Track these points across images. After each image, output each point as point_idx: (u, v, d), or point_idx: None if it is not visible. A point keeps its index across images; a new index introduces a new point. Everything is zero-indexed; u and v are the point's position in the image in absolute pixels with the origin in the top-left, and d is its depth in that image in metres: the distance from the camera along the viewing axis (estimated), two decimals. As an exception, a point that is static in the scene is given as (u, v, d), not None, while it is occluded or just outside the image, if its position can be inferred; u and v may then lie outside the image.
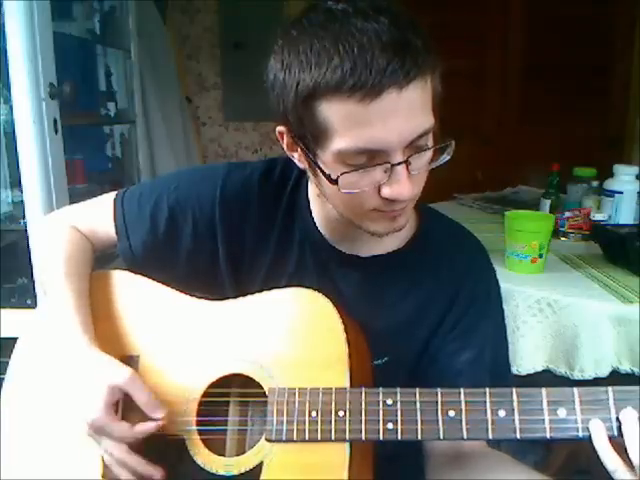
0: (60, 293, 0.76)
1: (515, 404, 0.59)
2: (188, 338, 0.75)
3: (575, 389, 0.58)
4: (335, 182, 0.63)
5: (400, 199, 0.63)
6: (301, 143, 0.66)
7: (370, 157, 0.61)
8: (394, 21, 0.58)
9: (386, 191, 0.63)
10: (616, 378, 1.17)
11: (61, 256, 0.80)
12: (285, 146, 0.70)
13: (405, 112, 0.59)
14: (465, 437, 0.59)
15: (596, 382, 1.16)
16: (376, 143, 0.60)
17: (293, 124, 0.65)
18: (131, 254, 0.83)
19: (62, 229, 0.84)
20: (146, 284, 0.80)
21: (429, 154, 0.65)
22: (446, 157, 0.65)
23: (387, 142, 0.60)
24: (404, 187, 0.62)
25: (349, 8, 0.59)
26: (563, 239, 1.64)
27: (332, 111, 0.59)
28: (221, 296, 0.77)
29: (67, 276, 0.78)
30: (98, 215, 0.85)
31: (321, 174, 0.65)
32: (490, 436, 0.59)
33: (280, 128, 0.68)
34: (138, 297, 0.80)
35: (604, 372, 1.18)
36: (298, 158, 0.70)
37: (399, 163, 0.61)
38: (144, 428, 0.67)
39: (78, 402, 0.68)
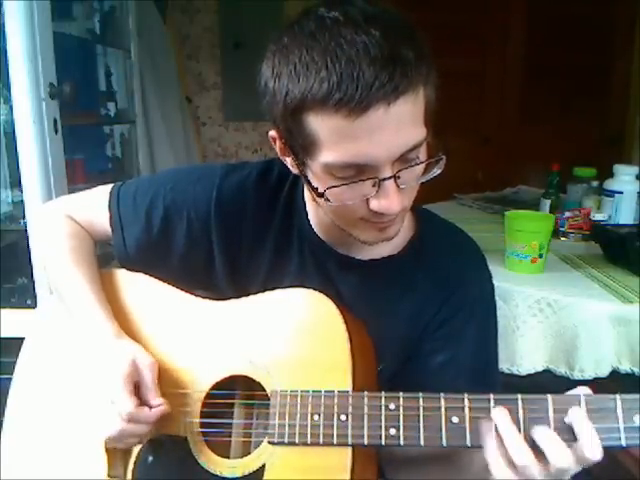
0: (73, 283, 0.78)
1: (520, 411, 0.57)
2: (192, 338, 0.75)
3: (582, 396, 0.56)
4: (321, 195, 0.63)
5: (388, 213, 0.63)
6: (291, 151, 0.66)
7: (358, 171, 0.61)
8: (386, 32, 0.56)
9: (374, 204, 0.62)
10: (616, 378, 1.17)
11: (66, 246, 0.81)
12: (278, 150, 0.70)
13: (393, 127, 0.57)
14: (469, 444, 0.58)
15: (596, 382, 1.16)
16: (363, 158, 0.59)
17: (283, 132, 0.65)
18: (125, 250, 0.83)
19: (61, 220, 0.84)
20: (149, 283, 0.81)
21: (420, 168, 0.64)
22: (437, 171, 0.64)
23: (374, 157, 0.59)
24: (392, 201, 0.61)
25: (340, 17, 0.58)
26: (563, 239, 1.64)
27: (319, 124, 0.58)
28: (217, 296, 0.77)
29: (75, 264, 0.79)
30: (95, 207, 0.85)
31: (309, 185, 0.65)
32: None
33: (272, 133, 0.68)
34: (141, 296, 0.80)
35: (604, 372, 1.18)
36: (291, 163, 0.70)
37: (387, 178, 0.60)
38: (148, 413, 0.68)
39: (102, 371, 0.71)
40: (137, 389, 0.70)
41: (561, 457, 0.54)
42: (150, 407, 0.69)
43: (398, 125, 0.58)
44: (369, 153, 0.58)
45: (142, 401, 0.69)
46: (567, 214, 1.65)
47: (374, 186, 0.61)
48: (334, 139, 0.59)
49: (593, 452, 0.53)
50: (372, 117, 0.56)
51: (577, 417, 0.55)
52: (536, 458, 0.55)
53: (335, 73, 0.55)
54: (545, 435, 0.55)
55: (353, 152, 0.59)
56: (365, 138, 0.57)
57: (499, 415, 0.57)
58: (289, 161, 0.69)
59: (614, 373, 1.18)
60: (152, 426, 0.69)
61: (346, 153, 0.59)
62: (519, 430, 0.56)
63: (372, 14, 0.58)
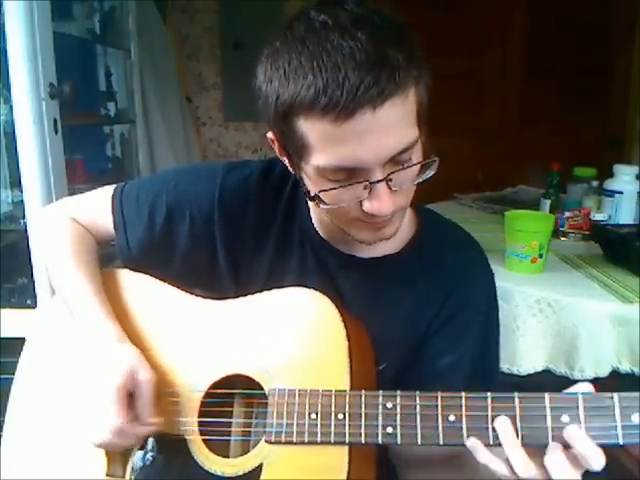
0: (76, 285, 0.77)
1: (517, 409, 0.57)
2: (191, 338, 0.75)
3: (580, 394, 0.56)
4: (313, 198, 0.63)
5: (380, 215, 0.63)
6: (286, 153, 0.67)
7: (349, 174, 0.61)
8: (373, 35, 0.56)
9: (367, 206, 0.62)
10: (616, 378, 1.17)
11: (69, 248, 0.81)
12: (277, 151, 0.71)
13: (382, 130, 0.57)
14: (465, 443, 0.58)
15: (596, 382, 1.16)
16: (352, 161, 0.59)
17: (278, 134, 0.66)
18: (128, 250, 0.83)
19: (64, 222, 0.85)
20: (150, 283, 0.81)
21: (414, 169, 0.63)
22: (430, 173, 0.64)
23: (363, 160, 0.59)
24: (384, 204, 0.61)
25: (329, 20, 0.58)
26: (563, 239, 1.64)
27: (308, 128, 0.59)
28: (220, 295, 0.77)
29: (78, 267, 0.79)
30: (97, 208, 0.85)
31: (303, 186, 0.65)
32: (491, 442, 0.57)
33: (269, 134, 0.69)
34: (142, 296, 0.80)
35: (604, 372, 1.18)
36: (288, 164, 0.70)
37: (378, 181, 0.60)
38: (138, 429, 0.68)
39: (98, 377, 0.69)
40: (131, 398, 0.69)
41: (563, 471, 0.55)
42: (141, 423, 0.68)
43: (387, 128, 0.58)
44: (358, 157, 0.59)
45: (135, 414, 0.68)
46: (567, 214, 1.65)
47: (366, 188, 0.61)
48: (323, 143, 0.59)
49: (597, 463, 0.53)
50: (359, 121, 0.56)
51: (574, 436, 0.55)
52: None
53: (321, 78, 0.56)
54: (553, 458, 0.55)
55: (342, 156, 0.59)
56: (353, 142, 0.58)
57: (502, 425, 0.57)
58: (287, 161, 0.70)
59: (614, 373, 1.18)
60: (140, 440, 0.69)
61: (335, 157, 0.59)
62: (516, 430, 0.56)
63: (361, 17, 0.58)
